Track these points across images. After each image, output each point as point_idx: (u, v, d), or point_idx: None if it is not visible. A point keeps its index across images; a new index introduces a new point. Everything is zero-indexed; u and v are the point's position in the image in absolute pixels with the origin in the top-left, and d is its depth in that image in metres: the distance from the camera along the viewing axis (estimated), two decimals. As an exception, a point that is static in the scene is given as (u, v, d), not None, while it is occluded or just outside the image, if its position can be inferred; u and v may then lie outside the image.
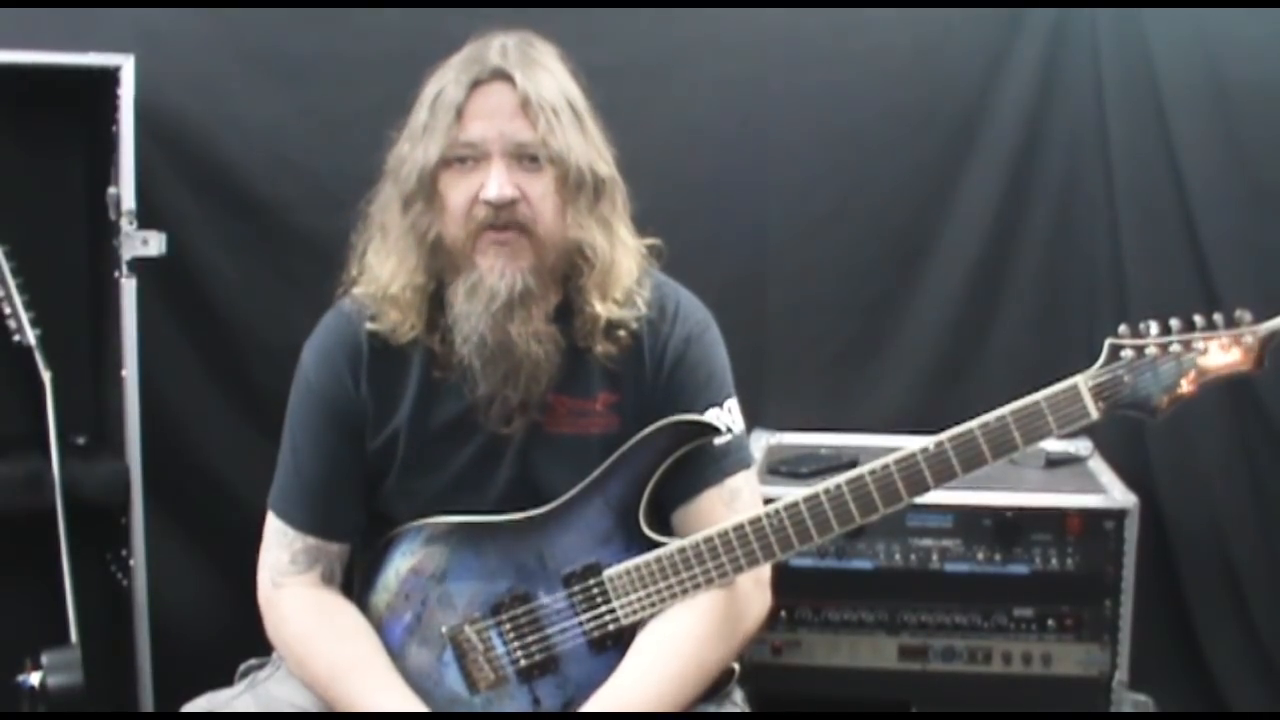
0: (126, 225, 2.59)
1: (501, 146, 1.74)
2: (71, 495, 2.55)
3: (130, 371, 2.63)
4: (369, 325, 1.84)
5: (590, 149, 1.79)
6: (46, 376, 2.58)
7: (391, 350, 1.85)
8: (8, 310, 2.59)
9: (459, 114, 1.75)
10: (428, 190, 1.78)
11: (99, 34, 2.77)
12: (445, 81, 1.78)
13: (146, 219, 2.62)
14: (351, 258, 1.89)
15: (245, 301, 3.02)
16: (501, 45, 1.78)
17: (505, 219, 1.74)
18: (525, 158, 1.75)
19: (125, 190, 2.59)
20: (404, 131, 1.82)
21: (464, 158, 1.75)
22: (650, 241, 1.90)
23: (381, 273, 1.83)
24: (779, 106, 3.10)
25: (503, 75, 1.75)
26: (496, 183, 1.73)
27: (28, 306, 2.59)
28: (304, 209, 2.97)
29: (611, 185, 1.83)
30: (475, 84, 1.75)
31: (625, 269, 1.83)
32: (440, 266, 1.81)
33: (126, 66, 2.58)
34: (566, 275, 1.83)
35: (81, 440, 2.81)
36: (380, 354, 1.85)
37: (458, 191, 1.76)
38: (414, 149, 1.78)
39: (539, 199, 1.75)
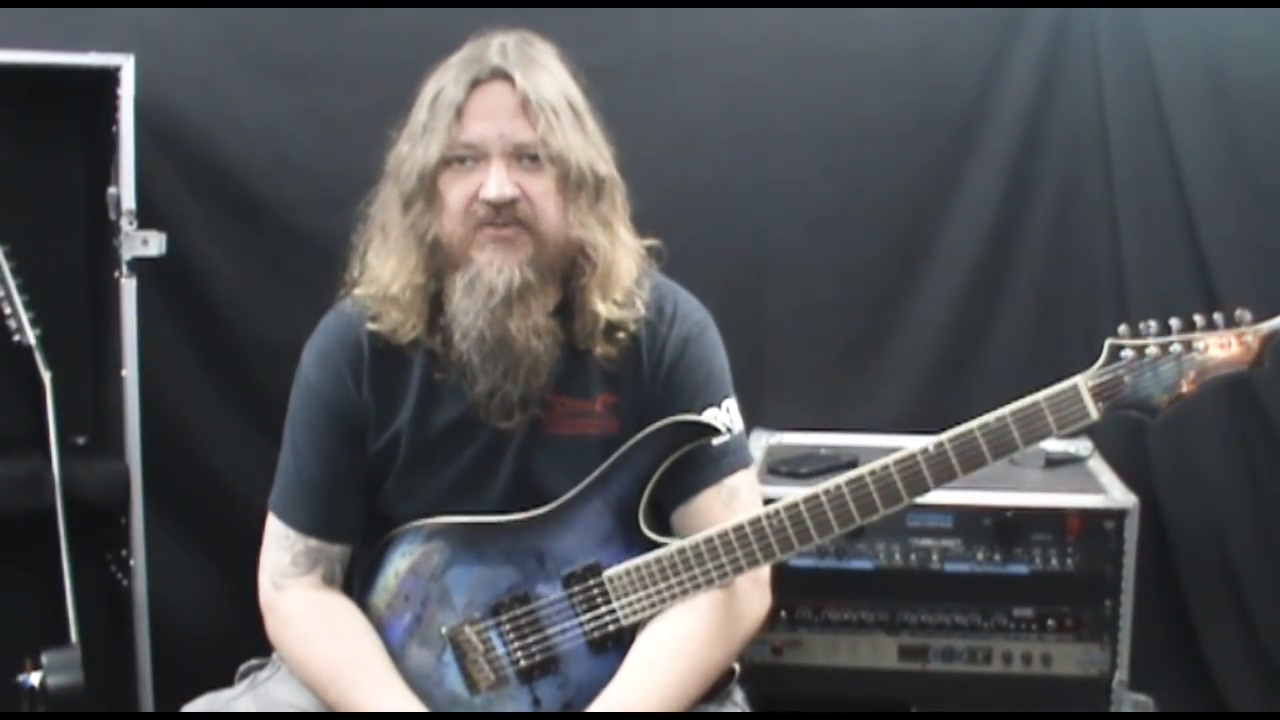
0: (126, 225, 2.60)
1: (501, 147, 1.73)
2: (71, 495, 2.54)
3: (130, 371, 2.63)
4: (370, 326, 1.84)
5: (590, 148, 1.79)
6: (46, 376, 2.57)
7: (392, 351, 1.85)
8: (8, 310, 2.58)
9: (459, 114, 1.74)
10: (428, 190, 1.77)
11: (99, 34, 2.77)
12: (445, 81, 1.77)
13: (146, 219, 2.62)
14: (352, 258, 1.89)
15: (245, 301, 3.02)
16: (501, 45, 1.78)
17: (506, 217, 1.74)
18: (525, 157, 1.74)
19: (125, 190, 2.59)
20: (404, 131, 1.82)
21: (464, 157, 1.75)
22: (650, 242, 1.90)
23: (382, 273, 1.83)
24: (779, 106, 3.10)
25: (502, 75, 1.75)
26: (496, 182, 1.72)
27: (28, 306, 2.59)
28: (304, 209, 2.97)
29: (611, 185, 1.83)
30: (475, 84, 1.75)
31: (625, 269, 1.83)
32: (439, 266, 1.81)
33: (126, 66, 2.59)
34: (567, 275, 1.82)
35: (81, 440, 2.81)
36: (381, 355, 1.85)
37: (457, 190, 1.76)
38: (414, 149, 1.78)
39: (541, 197, 1.75)
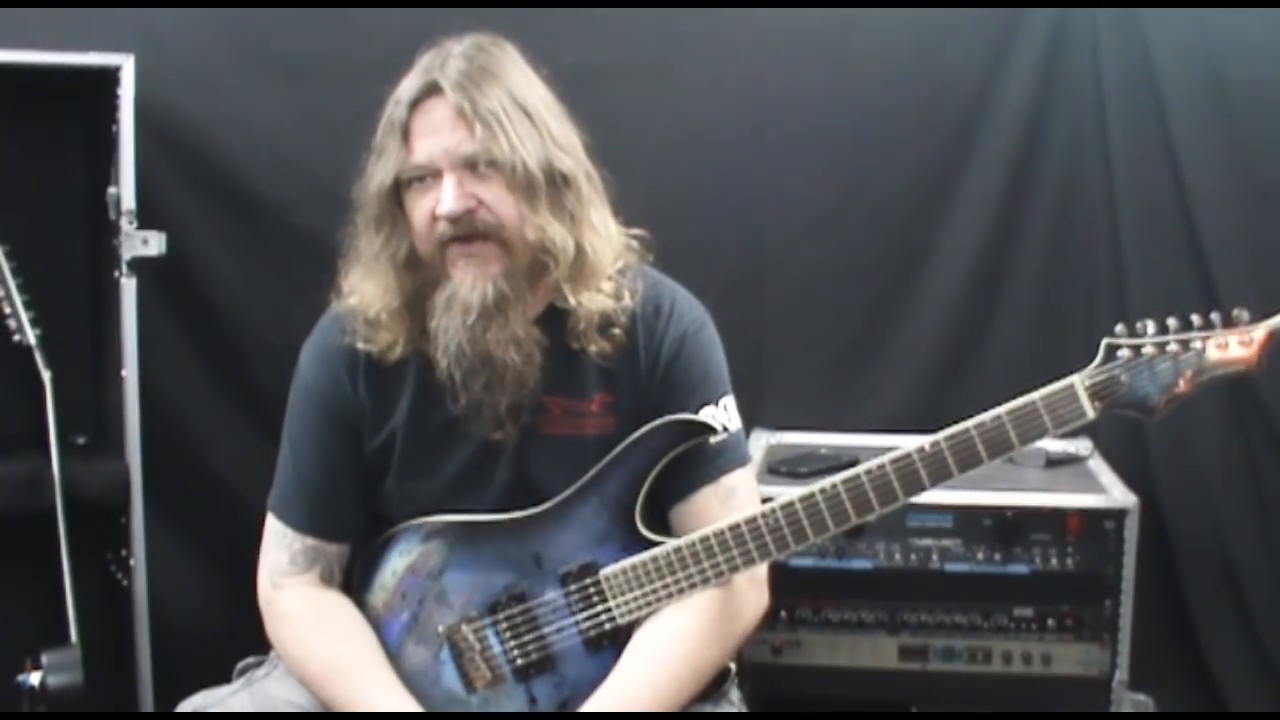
0: (126, 225, 2.60)
1: (450, 162, 1.73)
2: (71, 495, 2.55)
3: (130, 371, 2.63)
4: (362, 346, 1.84)
5: (545, 145, 1.76)
6: (46, 376, 2.58)
7: (388, 359, 1.85)
8: (8, 310, 2.59)
9: (405, 136, 1.75)
10: (392, 212, 1.78)
11: (99, 34, 2.77)
12: (393, 101, 1.78)
13: (146, 219, 2.63)
14: (338, 279, 1.89)
15: (245, 301, 3.03)
16: (444, 57, 1.77)
17: (466, 230, 1.74)
18: (476, 166, 1.73)
19: (125, 190, 2.59)
20: (371, 154, 1.81)
21: (421, 177, 1.75)
22: (637, 231, 1.89)
23: (363, 296, 1.83)
24: (779, 106, 3.09)
25: (437, 90, 1.74)
26: (449, 197, 1.72)
27: (28, 306, 2.60)
28: (304, 209, 2.97)
29: (575, 177, 1.80)
30: (414, 103, 1.75)
31: (601, 257, 1.81)
32: (422, 281, 1.81)
33: (126, 66, 2.59)
34: (549, 279, 1.81)
35: (81, 440, 2.81)
36: (377, 357, 1.85)
37: (420, 209, 1.76)
38: (374, 173, 1.79)
39: (495, 202, 1.74)
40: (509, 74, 1.78)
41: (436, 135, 1.73)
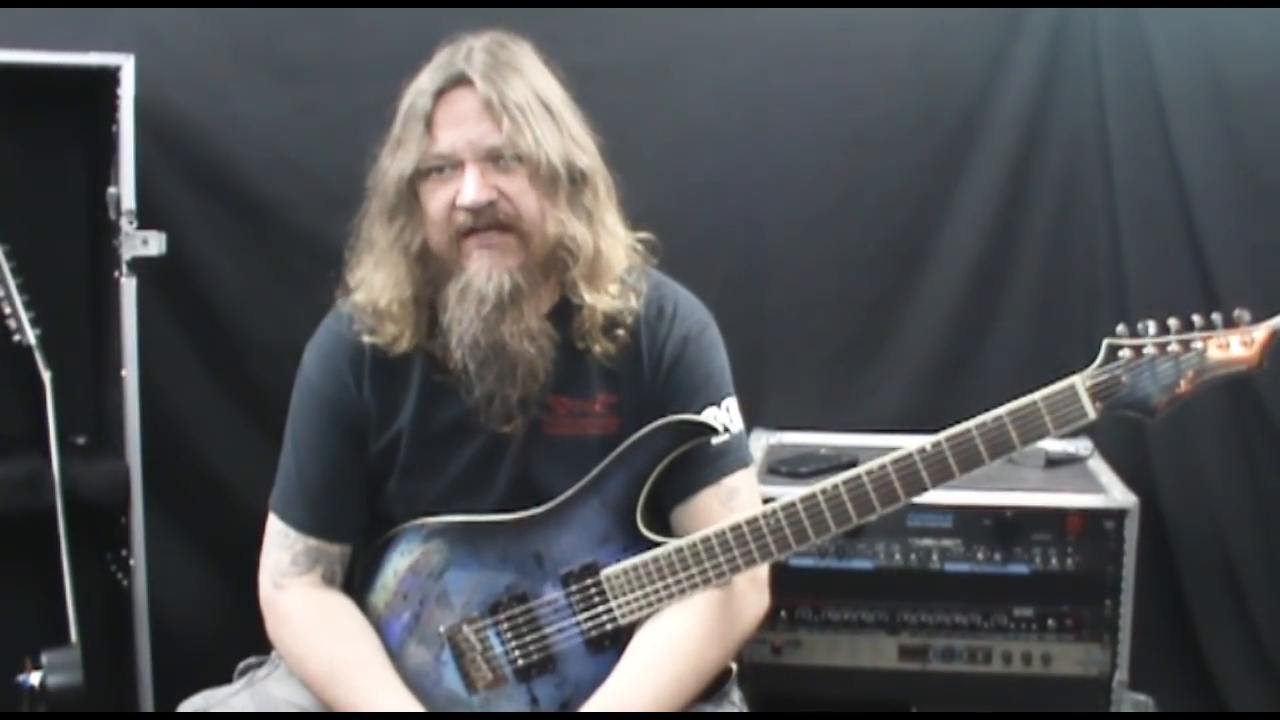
0: (126, 225, 2.60)
1: (473, 153, 1.74)
2: (71, 495, 2.55)
3: (130, 371, 2.63)
4: (367, 339, 1.84)
5: (565, 142, 1.78)
6: (46, 376, 2.58)
7: (393, 354, 1.85)
8: (8, 310, 2.58)
9: (428, 125, 1.75)
10: (408, 202, 1.79)
11: (99, 34, 2.77)
12: (415, 92, 1.78)
13: (146, 219, 2.62)
14: (347, 270, 1.89)
15: (245, 301, 3.02)
16: (467, 50, 1.78)
17: (486, 220, 1.74)
18: (499, 159, 1.74)
19: (125, 190, 2.59)
20: (386, 144, 1.82)
21: (440, 167, 1.76)
22: (643, 235, 1.90)
23: (373, 287, 1.83)
24: (779, 106, 3.10)
25: (465, 81, 1.75)
26: (471, 188, 1.73)
27: (28, 306, 2.59)
28: (304, 209, 2.97)
29: (593, 176, 1.82)
30: (439, 93, 1.75)
31: (614, 258, 1.82)
32: (433, 274, 1.81)
33: (126, 66, 2.59)
34: (560, 274, 1.82)
35: (81, 440, 2.81)
36: (382, 357, 1.85)
37: (436, 199, 1.76)
38: (391, 163, 1.79)
39: (517, 195, 1.75)
40: (530, 70, 1.79)
41: (461, 126, 1.74)
